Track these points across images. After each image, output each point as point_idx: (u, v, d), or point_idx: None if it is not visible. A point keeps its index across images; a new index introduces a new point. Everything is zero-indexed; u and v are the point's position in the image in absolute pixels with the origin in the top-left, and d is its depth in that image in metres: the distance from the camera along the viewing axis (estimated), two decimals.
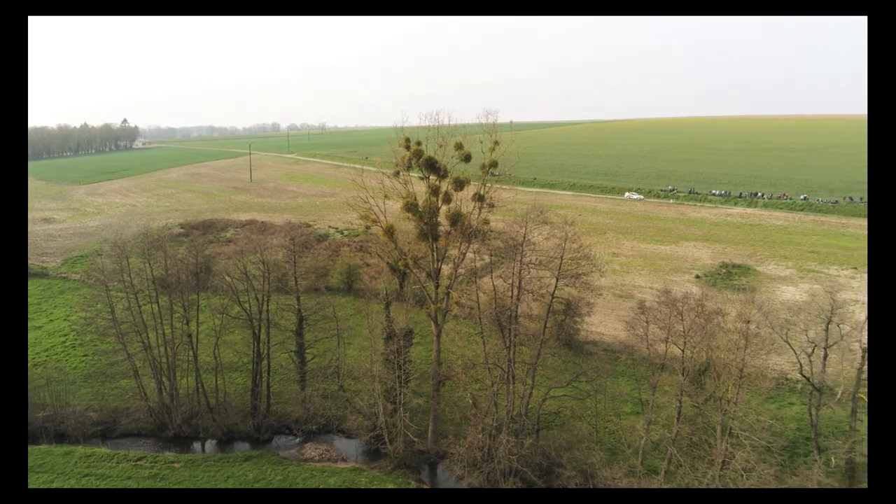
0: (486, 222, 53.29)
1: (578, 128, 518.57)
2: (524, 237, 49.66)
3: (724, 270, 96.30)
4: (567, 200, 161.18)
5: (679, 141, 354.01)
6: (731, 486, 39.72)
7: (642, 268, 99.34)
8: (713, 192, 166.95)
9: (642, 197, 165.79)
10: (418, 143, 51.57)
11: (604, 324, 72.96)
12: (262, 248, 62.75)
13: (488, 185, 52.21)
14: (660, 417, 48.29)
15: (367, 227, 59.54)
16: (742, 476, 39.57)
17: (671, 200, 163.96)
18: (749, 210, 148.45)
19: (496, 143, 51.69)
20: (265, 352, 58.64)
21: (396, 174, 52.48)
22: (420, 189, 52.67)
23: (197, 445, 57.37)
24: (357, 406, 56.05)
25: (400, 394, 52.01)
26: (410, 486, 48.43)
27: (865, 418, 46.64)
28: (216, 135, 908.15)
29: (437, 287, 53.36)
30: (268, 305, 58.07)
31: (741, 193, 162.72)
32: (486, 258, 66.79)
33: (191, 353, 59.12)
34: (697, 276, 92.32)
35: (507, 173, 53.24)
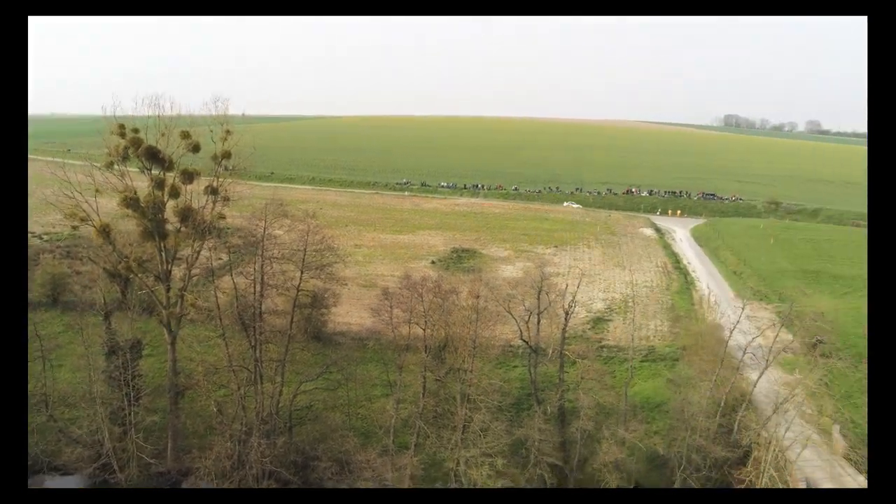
0: (222, 217, 49.98)
1: (315, 122, 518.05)
2: (264, 231, 47.82)
3: (455, 255, 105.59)
4: (308, 195, 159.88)
5: (411, 137, 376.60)
6: (472, 446, 43.83)
7: (384, 257, 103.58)
8: (442, 184, 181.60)
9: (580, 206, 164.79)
10: (136, 131, 45.91)
11: (350, 314, 74.28)
12: None
13: (222, 178, 48.97)
14: (407, 395, 50.97)
15: (75, 228, 51.10)
16: (480, 436, 43.99)
17: (406, 193, 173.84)
18: (473, 200, 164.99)
19: (228, 132, 48.68)
20: None
21: (110, 165, 45.99)
22: (142, 183, 47.06)
23: None
24: (74, 436, 48.08)
25: (130, 413, 46.07)
26: None
27: (572, 370, 55.64)
28: None
29: (168, 291, 48.40)
30: None
31: (466, 185, 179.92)
32: (224, 256, 62.77)
33: None
34: (433, 262, 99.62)
35: (242, 166, 50.62)
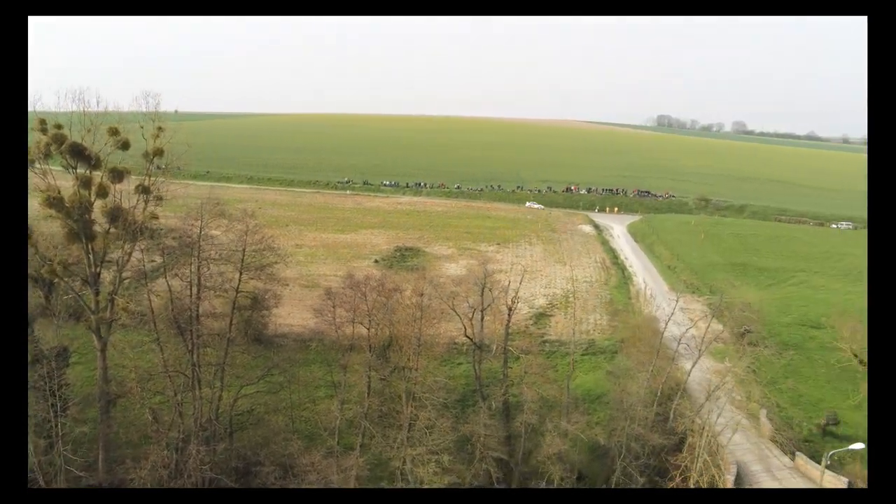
0: (155, 217, 48.03)
1: (254, 120, 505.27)
2: (200, 231, 46.29)
3: (398, 253, 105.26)
4: (246, 194, 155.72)
5: (353, 136, 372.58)
6: (418, 444, 43.83)
7: (326, 257, 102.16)
8: (385, 182, 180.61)
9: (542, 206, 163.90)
10: (58, 127, 43.50)
11: (292, 315, 72.90)
12: None
13: (154, 177, 47.06)
14: (352, 395, 50.49)
15: None
16: (426, 433, 44.04)
17: (348, 191, 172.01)
18: (415, 198, 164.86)
19: (160, 129, 46.80)
20: None
21: (30, 164, 43.37)
22: (67, 182, 44.65)
23: None
24: None
25: (57, 425, 43.67)
26: None
27: (515, 365, 56.45)
28: None
29: (97, 295, 46.14)
30: None
31: (408, 183, 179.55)
32: (158, 258, 60.41)
33: None
34: (376, 261, 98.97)
35: (176, 164, 48.85)
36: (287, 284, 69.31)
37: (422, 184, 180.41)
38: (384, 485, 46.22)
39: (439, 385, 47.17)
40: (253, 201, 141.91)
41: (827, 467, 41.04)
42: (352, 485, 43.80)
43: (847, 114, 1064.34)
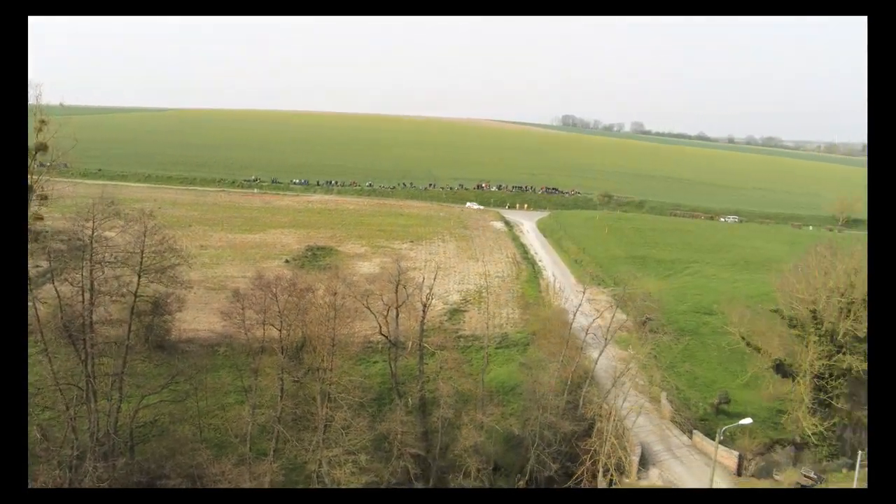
0: (39, 218, 44.41)
1: (151, 115, 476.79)
2: (93, 233, 43.20)
3: (310, 253, 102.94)
4: (144, 193, 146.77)
5: (261, 133, 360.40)
6: (334, 445, 43.15)
7: (233, 258, 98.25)
8: (294, 181, 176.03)
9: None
10: None
11: (198, 319, 69.60)
12: None
13: (38, 175, 43.45)
14: (264, 400, 48.91)
15: None
16: (342, 434, 43.44)
17: (255, 190, 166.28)
18: (326, 197, 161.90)
19: (43, 122, 43.30)
20: None
21: None
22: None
23: None
24: None
25: None
26: None
27: (431, 361, 56.79)
28: None
29: None
30: None
31: (319, 182, 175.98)
32: (44, 263, 55.79)
33: None
34: (287, 261, 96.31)
35: (63, 161, 45.33)
36: (191, 287, 66.07)
37: (333, 182, 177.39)
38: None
39: (355, 384, 46.64)
40: (151, 200, 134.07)
41: (721, 443, 44.18)
42: None
43: (734, 117, 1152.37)
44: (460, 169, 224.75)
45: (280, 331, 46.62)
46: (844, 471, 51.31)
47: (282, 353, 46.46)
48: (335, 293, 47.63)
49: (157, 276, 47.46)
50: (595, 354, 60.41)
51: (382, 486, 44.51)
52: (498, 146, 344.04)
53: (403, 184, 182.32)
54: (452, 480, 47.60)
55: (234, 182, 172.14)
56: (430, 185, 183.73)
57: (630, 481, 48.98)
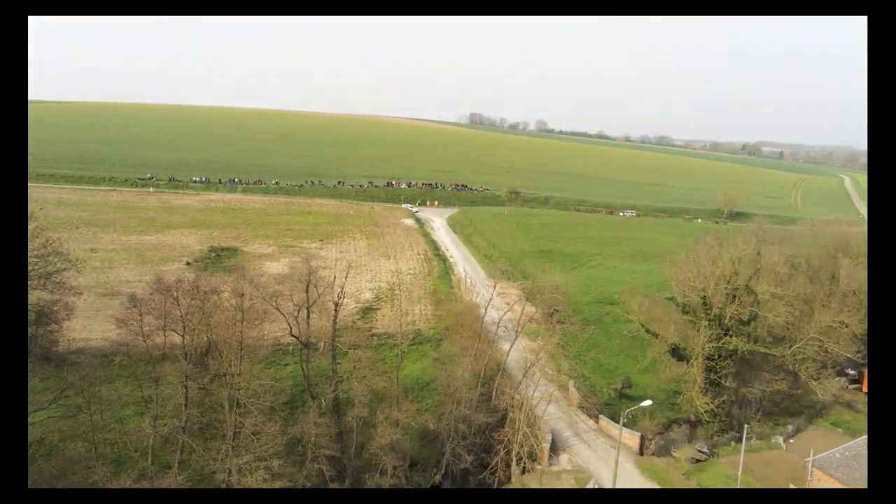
0: None
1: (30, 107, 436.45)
2: None
3: (213, 254, 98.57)
4: None
5: (156, 129, 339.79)
6: (244, 452, 41.60)
7: (128, 261, 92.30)
8: (194, 179, 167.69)
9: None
10: None
11: (90, 328, 64.85)
12: None
13: None
14: (166, 410, 46.32)
15: None
16: (253, 440, 41.94)
17: (151, 189, 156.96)
18: (230, 195, 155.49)
19: None
20: None
21: None
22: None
23: None
24: None
25: None
26: None
27: (344, 360, 56.00)
28: None
29: None
30: None
31: (221, 180, 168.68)
32: None
33: None
34: (188, 263, 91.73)
35: None
36: (81, 294, 61.51)
37: (236, 180, 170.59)
38: None
39: (265, 388, 45.13)
40: (31, 201, 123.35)
41: (624, 425, 46.58)
42: None
43: (631, 117, 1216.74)
44: (370, 166, 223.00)
45: (183, 336, 44.29)
46: (733, 444, 55.64)
47: (185, 359, 44.14)
48: (242, 295, 45.86)
49: (40, 282, 43.82)
50: (506, 347, 61.91)
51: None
52: (407, 143, 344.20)
53: (312, 182, 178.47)
54: (369, 479, 47.22)
55: (126, 181, 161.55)
56: (339, 182, 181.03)
57: (542, 468, 50.65)
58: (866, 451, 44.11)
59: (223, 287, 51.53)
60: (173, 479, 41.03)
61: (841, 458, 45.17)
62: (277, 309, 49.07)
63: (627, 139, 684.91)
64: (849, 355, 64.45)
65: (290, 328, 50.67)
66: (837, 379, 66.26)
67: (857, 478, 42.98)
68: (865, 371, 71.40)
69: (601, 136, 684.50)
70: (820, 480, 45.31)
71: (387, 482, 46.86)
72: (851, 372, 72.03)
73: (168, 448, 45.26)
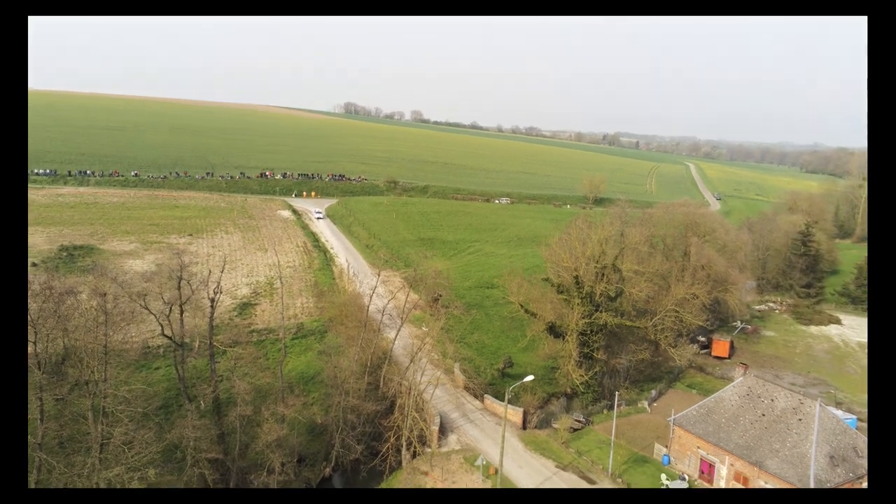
0: None
1: None
2: None
3: (65, 254, 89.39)
4: None
5: None
6: (115, 463, 38.43)
7: None
8: (37, 171, 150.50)
9: None
10: None
11: None
12: None
13: None
14: None
15: None
16: (124, 450, 38.83)
17: None
18: (81, 189, 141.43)
19: None
20: None
21: None
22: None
23: None
24: None
25: None
26: None
27: (223, 359, 53.32)
28: None
29: None
30: None
31: (70, 172, 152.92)
32: None
33: None
34: (35, 264, 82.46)
35: None
36: None
37: (88, 172, 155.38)
38: None
39: (135, 394, 41.81)
40: None
41: (508, 402, 48.57)
42: None
43: (502, 107, 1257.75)
44: (241, 157, 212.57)
45: (35, 344, 39.85)
46: (605, 411, 60.05)
47: (39, 369, 39.76)
48: (104, 294, 42.01)
49: None
50: (392, 335, 62.13)
51: None
52: (280, 133, 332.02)
53: (176, 173, 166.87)
54: (255, 479, 45.49)
55: None
56: (208, 174, 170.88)
57: (432, 450, 51.57)
58: (718, 408, 49.51)
59: (81, 287, 46.97)
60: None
61: (696, 414, 50.24)
62: (147, 308, 45.56)
63: (499, 129, 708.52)
64: (700, 323, 71.72)
65: (162, 328, 47.27)
66: (691, 346, 73.47)
67: (710, 431, 48.10)
68: (714, 337, 79.88)
69: (474, 126, 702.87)
70: (680, 436, 50.13)
71: (274, 480, 45.40)
72: (702, 339, 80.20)
73: None
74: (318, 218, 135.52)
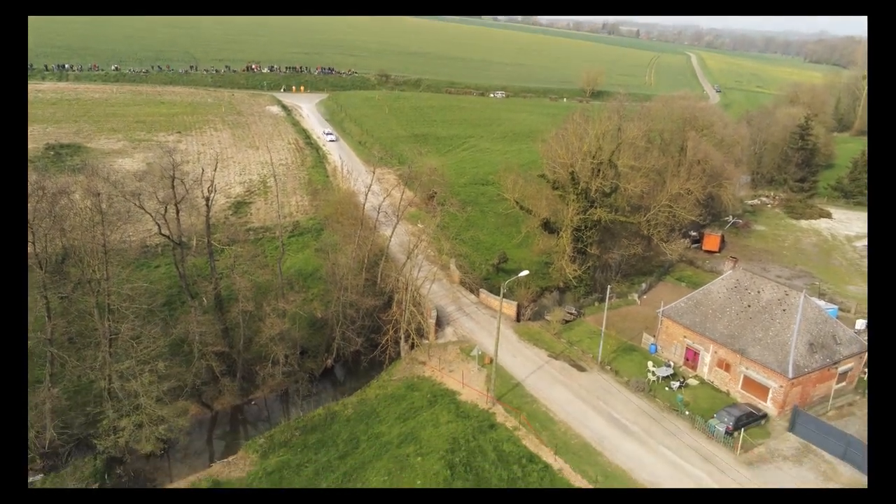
0: None
1: None
2: None
3: (52, 152, 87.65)
4: None
5: None
6: (125, 357, 39.93)
7: None
8: None
9: None
10: None
11: None
12: None
13: None
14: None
15: None
16: (133, 345, 40.22)
17: None
18: (61, 84, 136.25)
19: None
20: None
21: None
22: None
23: None
24: None
25: None
26: None
27: (222, 257, 53.93)
28: None
29: None
30: None
31: (47, 66, 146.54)
32: None
33: None
34: None
35: None
36: None
37: (66, 66, 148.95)
38: (90, 409, 41.61)
39: (139, 292, 42.65)
40: None
41: (503, 296, 49.93)
42: (47, 420, 38.54)
43: None
44: (224, 49, 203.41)
45: (34, 244, 40.05)
46: (596, 304, 61.97)
47: (40, 268, 40.25)
48: (98, 194, 41.71)
49: None
50: (388, 232, 62.64)
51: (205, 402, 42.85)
52: (265, 23, 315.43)
53: (159, 67, 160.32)
54: (261, 370, 47.58)
55: None
56: (191, 67, 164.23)
57: (429, 341, 53.65)
58: (706, 300, 51.14)
59: (73, 187, 46.51)
60: (47, 393, 38.84)
61: (685, 306, 51.98)
62: (142, 208, 45.44)
63: (494, 18, 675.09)
64: (693, 218, 72.39)
65: (159, 227, 47.41)
66: (682, 240, 74.60)
67: (697, 321, 49.98)
68: (705, 232, 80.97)
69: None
70: (668, 327, 52.14)
71: (279, 371, 47.52)
72: (693, 234, 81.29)
73: (36, 362, 42.24)
74: (331, 140, 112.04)
